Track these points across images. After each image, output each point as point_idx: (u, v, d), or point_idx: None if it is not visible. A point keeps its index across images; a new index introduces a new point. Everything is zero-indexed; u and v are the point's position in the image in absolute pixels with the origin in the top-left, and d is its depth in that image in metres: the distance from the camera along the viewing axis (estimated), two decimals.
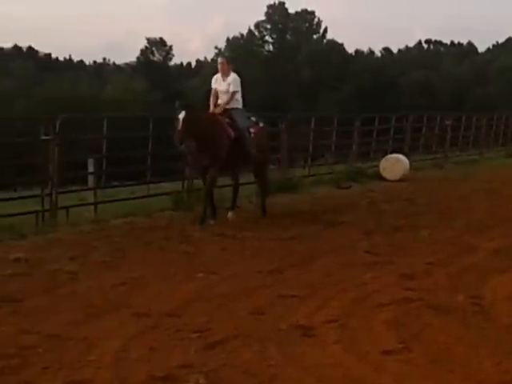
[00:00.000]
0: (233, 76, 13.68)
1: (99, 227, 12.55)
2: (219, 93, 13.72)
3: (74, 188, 15.44)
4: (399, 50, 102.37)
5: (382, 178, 20.69)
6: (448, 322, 7.39)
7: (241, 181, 17.21)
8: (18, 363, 6.18)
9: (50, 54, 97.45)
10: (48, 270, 9.51)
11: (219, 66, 13.92)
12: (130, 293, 8.48)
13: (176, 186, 15.72)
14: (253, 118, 14.06)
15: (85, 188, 15.05)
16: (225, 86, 13.64)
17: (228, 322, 7.36)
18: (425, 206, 15.76)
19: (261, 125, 14.20)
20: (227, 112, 13.49)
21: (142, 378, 5.86)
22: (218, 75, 13.84)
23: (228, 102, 13.56)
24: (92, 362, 6.21)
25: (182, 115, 12.43)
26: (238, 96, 13.76)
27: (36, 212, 12.88)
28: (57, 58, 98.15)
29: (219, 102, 13.68)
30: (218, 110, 13.50)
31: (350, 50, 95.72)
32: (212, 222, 13.08)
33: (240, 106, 13.81)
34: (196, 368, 6.05)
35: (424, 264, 9.96)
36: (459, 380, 5.93)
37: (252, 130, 13.67)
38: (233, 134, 13.24)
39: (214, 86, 13.87)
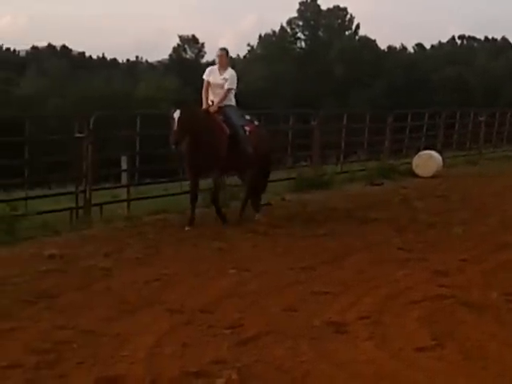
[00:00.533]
0: (230, 72, 13.04)
1: (132, 224, 12.61)
2: (213, 86, 13.00)
3: (107, 185, 15.53)
4: (432, 46, 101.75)
5: (414, 175, 20.58)
6: (481, 319, 7.36)
7: (273, 178, 17.27)
8: (53, 358, 6.23)
9: (83, 53, 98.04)
10: (82, 266, 9.59)
11: (217, 59, 13.25)
12: (164, 289, 8.52)
13: (208, 182, 15.71)
14: (247, 117, 13.42)
15: (118, 185, 15.12)
16: (220, 79, 12.94)
17: (260, 318, 7.38)
18: (458, 202, 15.68)
19: (256, 123, 13.63)
20: (221, 109, 12.83)
21: (175, 374, 5.89)
22: (214, 67, 13.21)
23: (223, 100, 12.87)
24: (125, 357, 6.26)
25: (176, 114, 11.86)
26: (232, 94, 13.11)
27: (70, 209, 12.98)
28: (90, 57, 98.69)
29: (211, 98, 12.95)
30: (212, 109, 12.74)
31: (383, 46, 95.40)
32: (223, 224, 12.61)
33: (233, 103, 13.14)
34: (229, 364, 6.07)
35: (457, 261, 9.92)
36: (493, 377, 5.90)
37: (247, 128, 12.99)
38: (228, 131, 12.65)
39: (206, 78, 13.10)
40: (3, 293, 8.24)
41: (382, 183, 19.05)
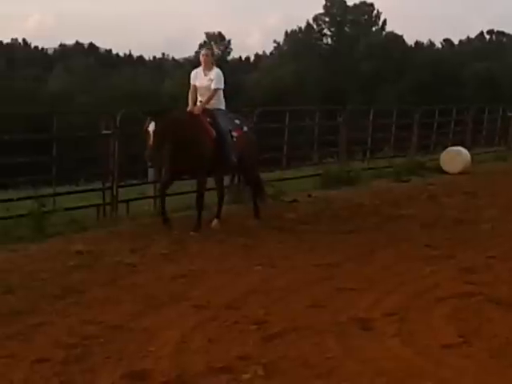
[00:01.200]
0: (216, 71, 12.18)
1: (159, 220, 12.64)
2: (200, 88, 12.24)
3: (134, 182, 15.58)
4: (460, 42, 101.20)
5: (442, 172, 20.47)
6: (509, 317, 7.31)
7: (299, 174, 17.29)
8: (80, 353, 6.29)
9: (110, 51, 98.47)
10: (109, 262, 9.65)
11: (202, 59, 12.37)
12: (190, 285, 8.56)
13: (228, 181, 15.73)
14: (237, 121, 12.56)
15: (145, 182, 15.16)
16: (206, 81, 12.15)
17: (286, 314, 7.39)
18: (486, 199, 15.57)
19: (245, 129, 12.68)
20: (209, 112, 12.02)
21: (201, 369, 5.91)
22: (199, 69, 12.39)
23: (209, 100, 12.06)
24: (152, 352, 6.30)
25: (151, 127, 10.97)
26: (221, 95, 12.29)
27: (97, 205, 13.04)
28: (117, 54, 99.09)
29: (198, 100, 12.24)
30: (197, 110, 11.96)
31: (410, 41, 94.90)
32: (192, 233, 11.60)
33: (223, 106, 12.32)
34: (254, 360, 6.08)
35: (485, 258, 9.87)
36: None
37: (234, 134, 12.18)
38: (214, 133, 11.83)
39: (193, 82, 12.35)
40: (32, 288, 8.32)
41: (409, 179, 18.97)
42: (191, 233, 11.46)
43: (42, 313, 7.46)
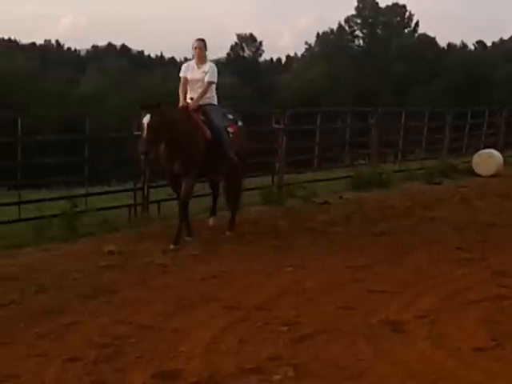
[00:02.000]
0: (210, 64, 11.45)
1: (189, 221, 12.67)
2: (191, 82, 11.44)
3: (165, 182, 15.60)
4: (493, 43, 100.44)
5: (474, 174, 20.33)
6: None
7: (331, 176, 17.24)
8: (112, 352, 6.33)
9: (142, 52, 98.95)
10: (140, 262, 9.70)
11: (195, 51, 11.49)
12: (220, 286, 8.58)
13: (266, 180, 15.76)
14: (230, 116, 11.90)
15: None
16: (199, 74, 11.39)
17: (317, 315, 7.39)
18: None
19: (239, 123, 12.03)
20: (201, 109, 11.33)
21: (232, 370, 5.93)
22: (191, 62, 11.62)
23: (203, 95, 11.32)
24: (183, 352, 6.32)
25: (146, 119, 10.37)
26: (214, 90, 11.58)
27: (129, 206, 13.10)
28: (149, 56, 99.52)
29: (189, 95, 11.45)
30: (192, 106, 11.27)
31: (443, 43, 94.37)
32: (188, 238, 11.20)
33: (215, 102, 11.62)
34: (285, 361, 6.09)
35: None
36: None
37: (230, 130, 11.56)
38: (209, 133, 11.12)
39: (183, 74, 11.54)
40: (64, 288, 8.39)
41: (441, 182, 18.87)
42: (171, 246, 10.62)
43: (73, 312, 7.52)
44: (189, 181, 11.01)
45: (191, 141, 10.91)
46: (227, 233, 11.74)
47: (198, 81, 11.40)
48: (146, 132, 10.33)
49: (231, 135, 11.53)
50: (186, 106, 11.30)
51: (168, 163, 10.99)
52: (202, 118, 11.22)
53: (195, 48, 11.48)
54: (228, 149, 11.32)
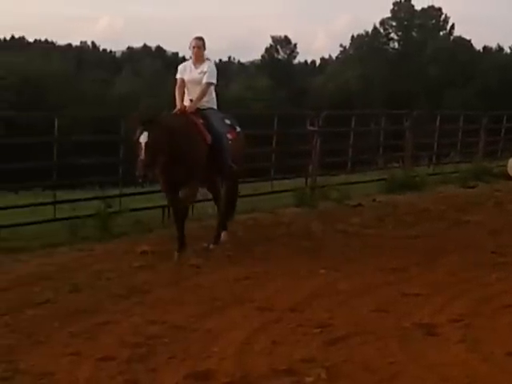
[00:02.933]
0: (209, 64, 10.68)
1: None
2: (189, 83, 10.69)
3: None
4: None
5: (509, 178, 20.16)
6: None
7: (364, 178, 17.18)
8: (145, 352, 6.36)
9: (177, 53, 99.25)
10: (173, 263, 9.73)
11: (192, 51, 10.75)
12: (253, 287, 8.59)
13: (299, 182, 15.75)
14: (227, 121, 11.07)
15: None
16: (197, 74, 10.63)
17: (350, 318, 7.37)
18: None
19: (238, 129, 11.26)
20: (201, 112, 10.58)
21: (264, 371, 5.93)
22: (188, 63, 10.89)
23: (202, 96, 10.58)
24: (215, 353, 6.33)
25: (143, 138, 9.40)
26: (213, 92, 10.87)
27: (162, 207, 13.14)
28: (183, 57, 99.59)
29: (187, 97, 10.69)
30: (190, 108, 10.50)
31: (478, 46, 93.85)
32: (177, 254, 10.14)
33: (215, 106, 10.90)
34: (318, 363, 6.08)
35: None
36: None
37: (229, 136, 10.76)
38: (210, 138, 10.37)
39: (180, 75, 10.81)
40: (97, 287, 8.44)
41: (476, 185, 18.74)
42: (176, 254, 10.08)
43: (107, 312, 7.56)
44: (191, 188, 10.28)
45: (192, 146, 10.12)
46: (211, 246, 10.67)
47: (196, 82, 10.63)
48: (143, 153, 9.37)
49: (230, 141, 10.72)
50: (184, 109, 10.51)
51: (167, 173, 10.04)
52: (201, 121, 10.42)
53: (193, 47, 10.71)
54: (227, 156, 10.54)
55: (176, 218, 10.46)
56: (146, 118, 9.59)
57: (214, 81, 10.71)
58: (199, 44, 10.70)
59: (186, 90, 10.74)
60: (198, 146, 10.21)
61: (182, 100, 10.66)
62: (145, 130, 9.39)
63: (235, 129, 11.20)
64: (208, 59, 10.79)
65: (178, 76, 10.81)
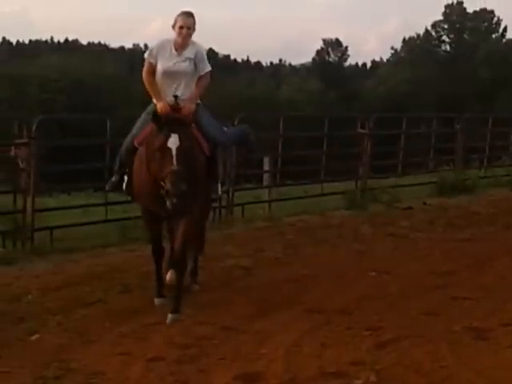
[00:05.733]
0: (197, 49, 7.89)
1: (273, 224, 12.73)
2: (168, 73, 7.77)
3: (249, 186, 15.71)
4: None
5: None
6: None
7: (415, 181, 17.06)
8: (195, 353, 6.39)
9: (228, 56, 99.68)
10: (223, 264, 9.76)
11: (179, 32, 7.71)
12: (303, 289, 8.59)
13: (349, 185, 15.72)
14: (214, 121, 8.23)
15: (260, 186, 15.27)
16: (181, 62, 7.78)
17: (400, 321, 7.34)
18: None
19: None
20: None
21: (313, 373, 5.93)
22: (166, 44, 7.82)
23: (203, 92, 7.94)
24: (265, 354, 6.35)
25: (174, 141, 7.06)
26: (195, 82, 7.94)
27: (213, 208, 13.21)
28: (235, 60, 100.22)
29: (165, 91, 7.75)
30: (187, 110, 7.55)
31: None
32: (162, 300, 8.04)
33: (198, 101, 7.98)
34: (367, 365, 6.06)
35: None
36: None
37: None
38: (207, 147, 7.80)
39: (153, 60, 7.82)
40: (148, 288, 8.45)
41: None
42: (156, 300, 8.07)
43: (156, 313, 7.62)
44: (191, 218, 7.70)
45: (194, 159, 7.46)
46: (196, 287, 8.59)
47: (180, 73, 7.78)
48: (175, 161, 6.99)
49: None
50: (178, 109, 7.59)
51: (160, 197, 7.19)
52: (193, 125, 7.66)
53: (180, 27, 7.71)
54: (219, 167, 8.09)
55: (159, 262, 8.14)
56: (173, 117, 7.31)
57: (210, 67, 8.04)
58: (189, 23, 7.76)
59: (162, 81, 7.84)
60: (199, 158, 7.66)
61: (158, 92, 7.79)
62: (173, 131, 7.12)
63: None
64: (193, 42, 7.88)
65: (151, 60, 7.84)
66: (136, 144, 7.77)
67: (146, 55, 7.97)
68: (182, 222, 7.59)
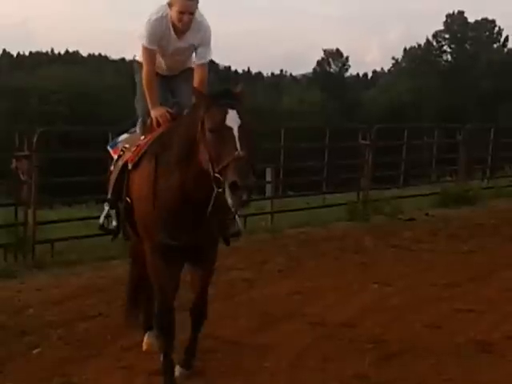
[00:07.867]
0: (204, 28, 6.48)
1: (275, 236, 12.70)
2: (167, 58, 6.57)
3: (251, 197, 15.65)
4: None
5: None
6: None
7: (417, 192, 17.03)
8: (198, 367, 6.36)
9: (229, 67, 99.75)
10: (226, 277, 9.71)
11: (179, 18, 6.24)
12: (305, 302, 8.56)
13: (351, 196, 15.69)
14: None
15: (262, 197, 15.24)
16: (182, 45, 6.45)
17: (403, 333, 7.32)
18: None
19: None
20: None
21: None
22: (163, 24, 6.30)
23: (203, 84, 6.51)
24: (267, 368, 6.34)
25: (232, 119, 5.20)
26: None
27: None
28: (235, 71, 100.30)
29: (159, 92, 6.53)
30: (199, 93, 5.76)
31: None
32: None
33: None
34: (371, 379, 6.05)
35: None
36: None
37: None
38: None
39: (151, 45, 6.33)
40: None
41: None
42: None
43: None
44: (212, 258, 6.47)
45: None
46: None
47: (180, 61, 6.67)
48: (237, 141, 5.13)
49: None
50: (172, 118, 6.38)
51: (181, 229, 5.74)
52: None
53: (180, 13, 6.22)
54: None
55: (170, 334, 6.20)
56: (228, 91, 5.48)
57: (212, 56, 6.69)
58: (192, 7, 6.27)
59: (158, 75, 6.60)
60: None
61: (151, 88, 6.46)
62: (230, 107, 5.26)
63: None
64: (196, 20, 6.38)
65: (153, 47, 6.39)
66: (130, 165, 6.16)
67: (143, 42, 6.35)
68: (207, 256, 6.19)
